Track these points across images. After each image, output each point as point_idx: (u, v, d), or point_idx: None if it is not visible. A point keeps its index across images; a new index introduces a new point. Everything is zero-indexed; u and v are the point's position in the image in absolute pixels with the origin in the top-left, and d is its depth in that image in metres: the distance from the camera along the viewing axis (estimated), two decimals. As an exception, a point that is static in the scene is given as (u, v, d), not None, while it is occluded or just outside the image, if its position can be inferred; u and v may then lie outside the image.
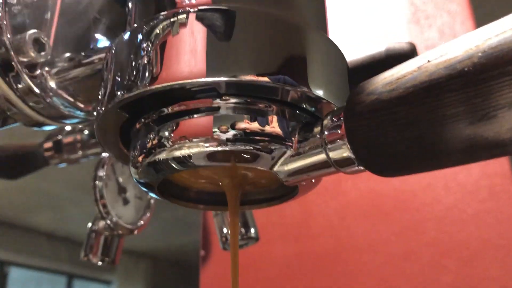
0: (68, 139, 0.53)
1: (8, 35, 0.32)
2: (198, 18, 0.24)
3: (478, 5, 1.01)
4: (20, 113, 0.35)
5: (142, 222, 0.45)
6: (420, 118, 0.19)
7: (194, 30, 0.24)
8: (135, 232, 0.44)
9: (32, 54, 0.32)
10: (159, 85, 0.23)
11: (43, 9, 0.36)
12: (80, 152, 0.52)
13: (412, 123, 0.19)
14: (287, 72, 0.23)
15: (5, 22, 0.33)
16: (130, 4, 0.29)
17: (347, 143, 0.22)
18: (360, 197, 0.87)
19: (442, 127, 0.19)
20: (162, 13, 0.25)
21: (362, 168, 0.22)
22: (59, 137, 0.53)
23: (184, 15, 0.24)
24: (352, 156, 0.22)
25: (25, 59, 0.32)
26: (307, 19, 0.27)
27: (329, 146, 0.23)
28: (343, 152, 0.22)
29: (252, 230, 0.44)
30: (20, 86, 0.33)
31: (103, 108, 0.25)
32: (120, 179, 0.44)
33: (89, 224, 0.48)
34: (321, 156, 0.23)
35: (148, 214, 0.45)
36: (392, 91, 0.20)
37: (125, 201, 0.44)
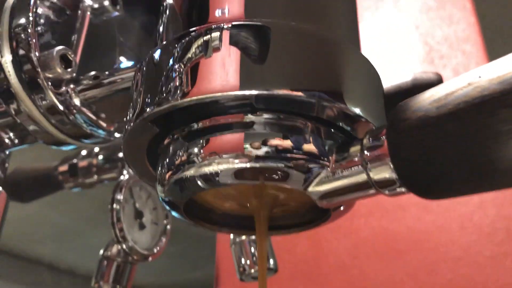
0: (84, 163, 0.52)
1: (36, 53, 0.32)
2: (232, 34, 0.23)
3: (493, 46, 1.01)
4: (42, 131, 0.34)
5: (158, 248, 0.43)
6: (471, 135, 0.18)
7: (227, 47, 0.23)
8: (150, 258, 0.43)
9: (59, 70, 0.32)
10: (191, 98, 0.22)
11: (71, 29, 0.36)
12: (95, 177, 0.52)
13: (463, 141, 0.18)
14: (323, 88, 0.22)
15: (33, 41, 0.32)
16: (159, 20, 0.29)
17: (390, 163, 0.21)
18: (373, 235, 0.85)
19: (496, 145, 0.18)
20: (193, 28, 0.24)
21: (404, 190, 0.21)
22: (75, 160, 0.53)
23: (217, 33, 0.24)
24: (395, 176, 0.21)
25: (51, 75, 0.32)
26: (342, 35, 0.26)
27: (369, 165, 0.22)
28: (385, 172, 0.21)
29: (271, 261, 0.42)
30: (44, 102, 0.33)
31: (131, 124, 0.25)
32: (137, 204, 0.43)
33: (101, 251, 0.46)
34: (361, 177, 0.22)
35: (163, 241, 0.44)
36: (440, 108, 0.19)
37: (141, 226, 0.43)
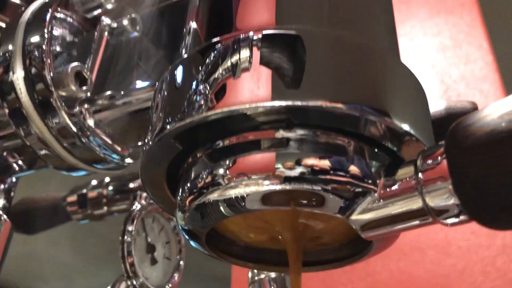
0: (94, 194, 0.50)
1: (50, 72, 0.30)
2: (263, 47, 0.21)
3: (511, 85, 1.00)
4: (52, 154, 0.32)
5: (170, 285, 0.40)
6: None
7: (258, 61, 0.21)
8: (162, 296, 0.40)
9: (73, 88, 0.30)
10: (215, 111, 0.20)
11: (87, 48, 0.34)
12: (105, 208, 0.49)
13: None
14: (366, 100, 0.20)
15: (48, 60, 0.31)
16: (182, 42, 0.27)
17: (451, 185, 0.18)
18: (390, 278, 0.82)
19: None
20: (218, 39, 0.22)
21: (466, 217, 0.18)
22: (84, 191, 0.50)
23: (247, 49, 0.21)
24: (457, 202, 0.18)
25: (64, 93, 0.30)
26: (383, 43, 0.24)
27: (425, 190, 0.19)
28: (444, 197, 0.18)
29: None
30: (56, 124, 0.31)
31: (150, 143, 0.22)
32: (149, 237, 0.41)
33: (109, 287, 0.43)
34: (415, 203, 0.19)
35: (176, 277, 0.41)
36: (513, 121, 0.16)
37: (153, 261, 0.40)
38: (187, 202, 0.22)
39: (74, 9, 0.35)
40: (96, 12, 0.35)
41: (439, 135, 0.22)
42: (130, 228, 0.39)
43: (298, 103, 0.19)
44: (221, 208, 0.21)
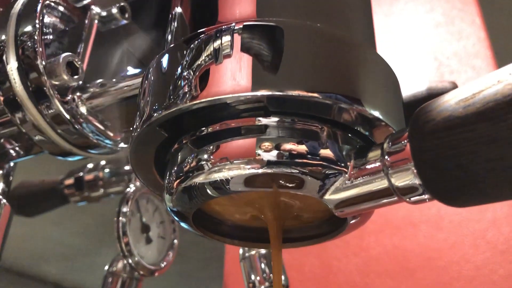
0: (90, 176, 0.51)
1: (43, 61, 0.31)
2: (243, 37, 0.22)
3: (503, 61, 1.00)
4: (47, 141, 0.33)
5: (164, 263, 0.42)
6: (502, 136, 0.17)
7: (239, 50, 0.22)
8: (156, 274, 0.42)
9: (65, 77, 0.31)
10: (200, 101, 0.21)
11: (78, 37, 0.35)
12: (101, 190, 0.51)
13: (493, 142, 0.17)
14: (340, 89, 0.21)
15: (40, 49, 0.32)
16: (168, 28, 0.28)
17: (413, 168, 0.19)
18: (383, 253, 0.83)
19: (530, 146, 0.16)
20: (202, 30, 0.23)
21: (428, 197, 0.20)
22: (81, 174, 0.52)
23: (228, 36, 0.23)
24: (419, 182, 0.19)
25: (57, 82, 0.31)
26: (358, 35, 0.25)
27: (390, 171, 0.20)
28: (408, 177, 0.20)
29: (282, 277, 0.41)
30: (50, 111, 0.32)
31: (138, 130, 0.24)
32: (144, 217, 0.42)
33: (106, 267, 0.45)
34: (382, 183, 0.21)
35: (171, 255, 0.43)
36: (467, 107, 0.18)
37: (148, 240, 0.42)
38: (175, 185, 0.24)
39: (64, -1, 0.35)
40: (85, 1, 0.36)
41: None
42: (124, 209, 0.41)
43: (277, 92, 0.21)
44: (207, 190, 0.23)
